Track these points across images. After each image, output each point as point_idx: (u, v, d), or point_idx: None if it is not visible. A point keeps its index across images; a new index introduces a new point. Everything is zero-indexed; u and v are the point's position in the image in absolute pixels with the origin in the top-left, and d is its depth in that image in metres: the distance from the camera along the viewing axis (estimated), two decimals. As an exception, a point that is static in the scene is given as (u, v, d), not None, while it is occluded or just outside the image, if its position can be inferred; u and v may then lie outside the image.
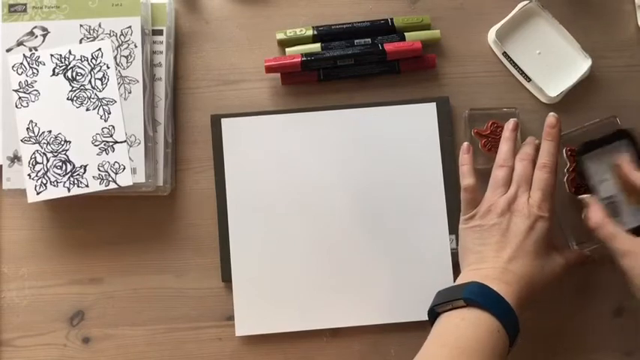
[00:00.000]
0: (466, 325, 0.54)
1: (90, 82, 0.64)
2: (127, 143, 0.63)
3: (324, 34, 0.68)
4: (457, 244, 0.63)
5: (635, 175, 0.61)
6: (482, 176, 0.63)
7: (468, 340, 0.53)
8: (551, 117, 0.62)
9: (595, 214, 0.60)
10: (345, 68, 0.67)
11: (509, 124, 0.64)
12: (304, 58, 0.66)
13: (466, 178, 0.62)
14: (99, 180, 0.63)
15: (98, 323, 0.66)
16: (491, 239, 0.58)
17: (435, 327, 0.56)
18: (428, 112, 0.67)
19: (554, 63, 0.68)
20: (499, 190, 0.60)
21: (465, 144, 0.64)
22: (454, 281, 0.64)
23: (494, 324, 0.53)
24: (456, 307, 0.55)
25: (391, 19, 0.68)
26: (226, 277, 0.65)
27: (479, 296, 0.54)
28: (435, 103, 0.67)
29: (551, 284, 0.59)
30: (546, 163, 0.60)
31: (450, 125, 0.67)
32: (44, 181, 0.63)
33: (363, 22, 0.68)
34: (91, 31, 0.64)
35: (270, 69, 0.66)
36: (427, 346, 0.55)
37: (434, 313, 0.57)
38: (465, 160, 0.63)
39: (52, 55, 0.64)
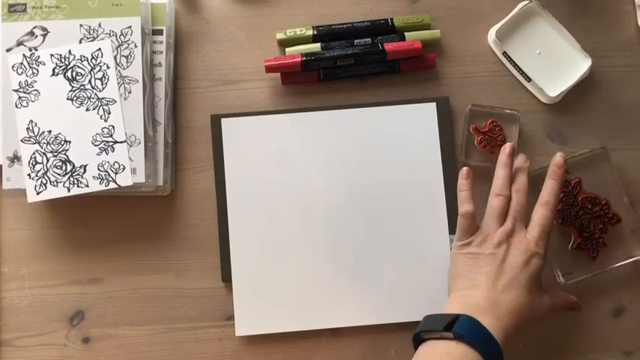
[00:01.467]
0: None
1: (90, 82, 0.64)
2: (127, 143, 0.63)
3: (324, 34, 0.68)
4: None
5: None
6: (478, 175, 0.63)
7: None
8: (559, 157, 0.61)
9: None
10: (345, 68, 0.67)
11: (506, 149, 0.62)
12: (304, 58, 0.66)
13: (464, 205, 0.60)
14: (99, 180, 0.63)
15: (98, 323, 0.66)
16: (486, 267, 0.58)
17: (419, 353, 0.56)
18: (428, 112, 0.67)
19: (554, 63, 0.68)
20: (496, 221, 0.59)
21: (465, 169, 0.62)
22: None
23: None
24: (444, 338, 0.54)
25: (391, 19, 0.68)
26: (226, 277, 0.65)
27: (469, 331, 0.53)
28: (434, 103, 0.67)
29: (535, 323, 0.58)
30: (549, 201, 0.59)
31: (450, 125, 0.67)
32: (44, 181, 0.63)
33: (363, 22, 0.68)
34: (91, 31, 0.64)
35: (270, 69, 0.66)
36: None
37: (419, 337, 0.56)
38: (463, 185, 0.61)
39: (51, 55, 0.64)
